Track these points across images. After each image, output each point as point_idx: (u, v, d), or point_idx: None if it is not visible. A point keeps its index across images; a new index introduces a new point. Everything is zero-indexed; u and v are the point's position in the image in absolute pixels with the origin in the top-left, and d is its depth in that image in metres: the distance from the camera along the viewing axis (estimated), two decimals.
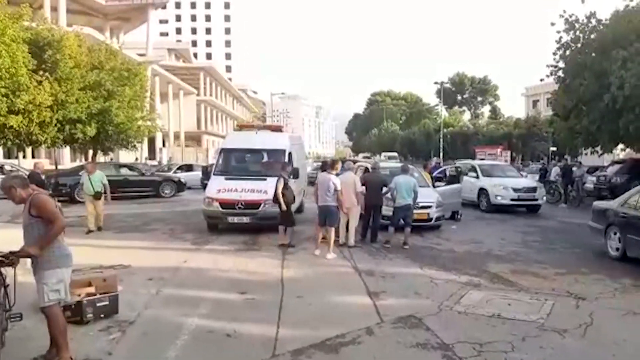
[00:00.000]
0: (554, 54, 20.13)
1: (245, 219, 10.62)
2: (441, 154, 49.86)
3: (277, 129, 14.31)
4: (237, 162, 12.43)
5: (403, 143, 72.47)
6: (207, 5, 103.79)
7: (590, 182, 19.83)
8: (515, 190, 15.45)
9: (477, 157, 37.25)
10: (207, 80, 60.69)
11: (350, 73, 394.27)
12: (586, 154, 24.90)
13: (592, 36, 18.96)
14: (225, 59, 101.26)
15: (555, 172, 20.32)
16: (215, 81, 64.61)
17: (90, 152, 24.69)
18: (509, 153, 42.00)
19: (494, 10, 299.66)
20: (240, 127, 17.03)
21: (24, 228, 4.13)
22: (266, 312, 5.66)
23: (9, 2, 18.86)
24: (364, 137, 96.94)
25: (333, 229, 9.00)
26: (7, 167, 20.73)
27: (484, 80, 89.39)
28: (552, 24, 19.81)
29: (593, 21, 18.96)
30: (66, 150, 31.75)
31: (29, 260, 4.24)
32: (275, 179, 9.74)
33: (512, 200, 15.40)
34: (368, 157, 52.33)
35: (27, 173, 13.37)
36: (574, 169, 19.29)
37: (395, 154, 56.93)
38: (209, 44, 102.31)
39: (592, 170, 21.48)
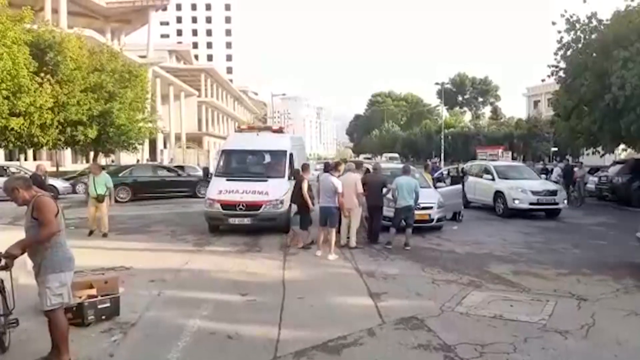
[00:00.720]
0: (555, 54, 20.12)
1: (247, 220, 10.57)
2: (442, 155, 49.88)
3: (278, 130, 14.31)
4: (238, 164, 12.39)
5: (404, 144, 72.58)
6: (208, 7, 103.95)
7: (591, 182, 19.84)
8: (534, 193, 14.19)
9: (478, 157, 37.21)
10: (208, 82, 60.82)
11: (352, 74, 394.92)
12: (587, 154, 24.89)
13: (593, 36, 18.93)
14: (226, 60, 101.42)
15: (556, 172, 20.31)
16: (216, 82, 64.75)
17: (92, 154, 24.76)
18: (510, 154, 41.97)
19: (495, 11, 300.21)
20: (241, 130, 17.00)
21: (26, 230, 4.11)
22: (268, 313, 5.66)
23: (10, 4, 18.91)
24: (365, 138, 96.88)
25: (334, 230, 9.00)
26: (12, 169, 20.76)
27: (485, 80, 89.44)
28: (553, 24, 19.83)
29: (594, 21, 18.93)
30: (67, 152, 31.83)
31: (29, 262, 4.22)
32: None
33: (531, 204, 14.06)
34: (369, 158, 52.25)
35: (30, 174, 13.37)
36: (576, 169, 19.29)
37: (396, 154, 56.84)
38: (209, 45, 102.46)
39: (593, 170, 21.47)
